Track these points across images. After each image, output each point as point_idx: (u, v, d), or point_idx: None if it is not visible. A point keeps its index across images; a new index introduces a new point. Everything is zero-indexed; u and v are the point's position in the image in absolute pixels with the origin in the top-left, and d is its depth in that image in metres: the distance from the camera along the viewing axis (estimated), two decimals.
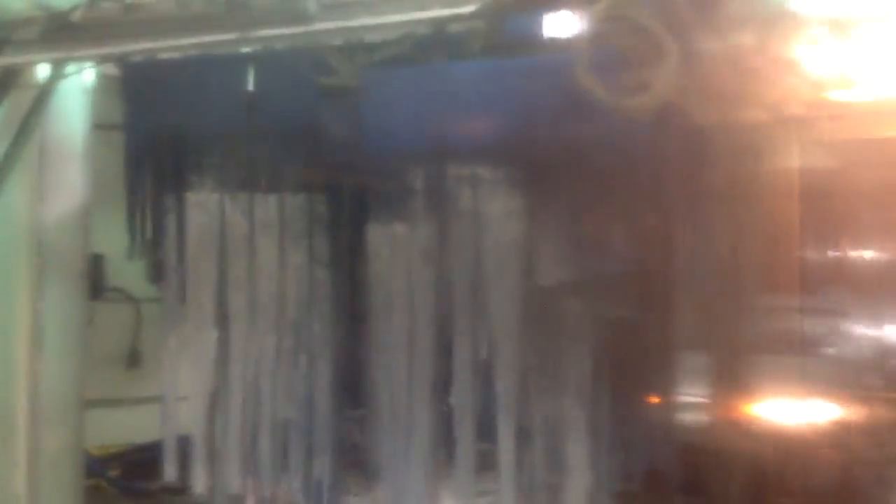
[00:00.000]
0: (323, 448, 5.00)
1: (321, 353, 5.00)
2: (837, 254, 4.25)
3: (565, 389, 4.38)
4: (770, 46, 3.90)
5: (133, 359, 7.57)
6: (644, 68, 3.92)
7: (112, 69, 5.31)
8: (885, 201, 4.03)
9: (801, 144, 4.12)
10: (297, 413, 5.01)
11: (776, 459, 4.21)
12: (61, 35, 5.04)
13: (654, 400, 4.41)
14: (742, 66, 3.91)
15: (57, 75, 5.31)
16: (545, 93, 4.29)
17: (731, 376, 4.28)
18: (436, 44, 4.50)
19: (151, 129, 5.17)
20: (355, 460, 5.08)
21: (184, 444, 5.22)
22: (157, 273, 5.25)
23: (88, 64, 5.36)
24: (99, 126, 5.63)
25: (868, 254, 4.24)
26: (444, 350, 4.62)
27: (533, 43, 4.39)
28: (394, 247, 4.71)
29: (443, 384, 4.64)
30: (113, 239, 5.64)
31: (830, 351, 4.25)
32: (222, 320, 5.10)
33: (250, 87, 4.98)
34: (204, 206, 5.06)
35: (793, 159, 4.15)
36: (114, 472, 6.97)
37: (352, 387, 4.98)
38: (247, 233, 5.03)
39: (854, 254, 4.25)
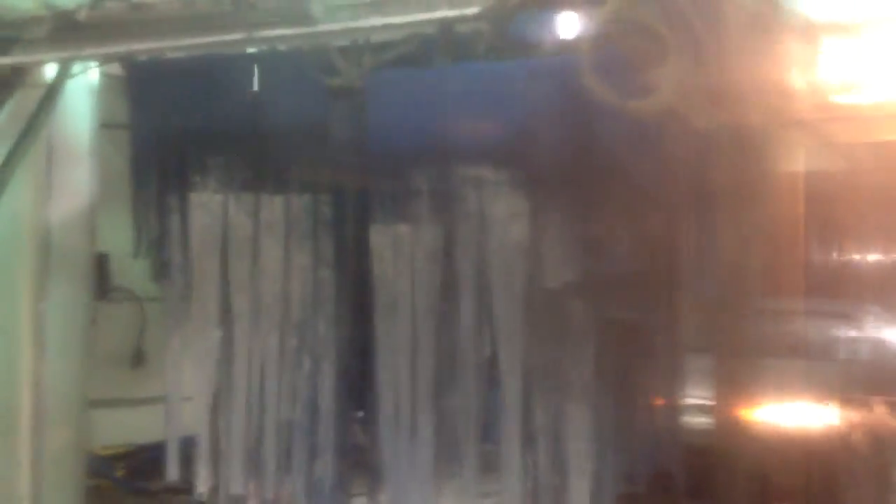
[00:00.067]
0: (326, 449, 5.00)
1: (325, 353, 5.00)
2: (842, 257, 4.24)
3: (570, 391, 4.38)
4: (776, 49, 3.91)
5: (137, 358, 7.57)
6: (649, 70, 3.92)
7: (118, 68, 5.31)
8: (890, 204, 4.03)
9: (806, 147, 4.12)
10: (300, 414, 5.01)
11: (780, 462, 4.21)
12: (68, 34, 5.04)
13: (659, 402, 4.41)
14: (747, 69, 3.91)
15: (63, 74, 5.32)
16: (550, 94, 4.30)
17: (736, 379, 4.28)
18: (441, 45, 4.51)
19: (157, 128, 5.17)
20: (359, 461, 5.08)
21: (188, 445, 5.22)
22: (162, 272, 5.25)
23: (95, 63, 5.38)
24: (104, 125, 5.64)
25: (873, 257, 4.24)
26: (449, 351, 4.62)
27: (538, 44, 4.40)
28: (398, 248, 4.70)
29: (447, 385, 4.64)
30: (118, 238, 5.65)
31: (835, 354, 4.25)
32: (227, 320, 5.10)
33: (255, 87, 4.99)
34: (209, 205, 5.06)
35: (798, 162, 4.15)
36: (118, 472, 6.97)
37: (356, 388, 4.99)
38: (252, 233, 5.03)
39: (859, 257, 4.25)
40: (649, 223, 4.25)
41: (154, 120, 5.17)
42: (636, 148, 4.18)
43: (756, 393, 4.32)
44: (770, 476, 4.18)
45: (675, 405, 4.40)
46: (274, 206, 4.99)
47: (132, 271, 6.13)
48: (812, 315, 4.27)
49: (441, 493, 4.71)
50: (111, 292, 7.21)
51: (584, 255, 4.38)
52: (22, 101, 5.36)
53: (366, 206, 4.79)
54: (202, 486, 5.18)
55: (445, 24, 4.42)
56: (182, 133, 5.10)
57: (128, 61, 5.17)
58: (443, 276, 4.63)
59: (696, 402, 4.39)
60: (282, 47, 4.87)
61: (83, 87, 5.46)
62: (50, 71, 5.36)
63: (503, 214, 4.48)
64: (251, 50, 4.96)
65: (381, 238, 4.72)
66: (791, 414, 4.38)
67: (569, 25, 4.30)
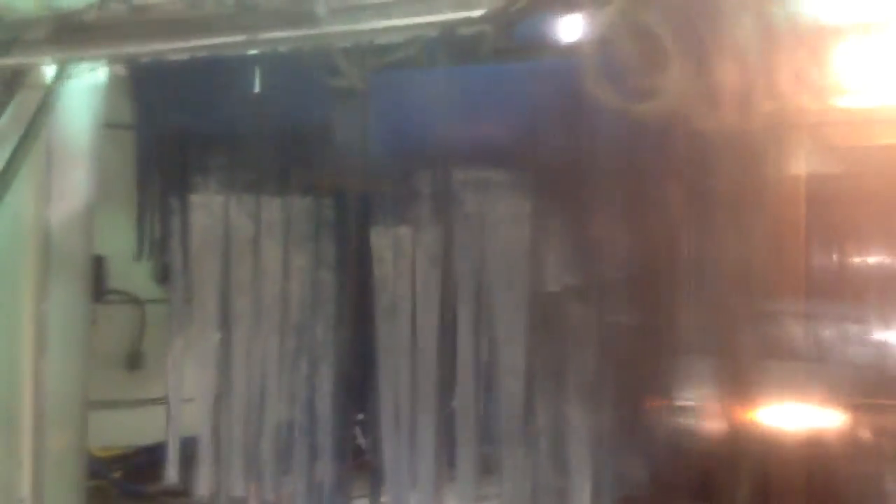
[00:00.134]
0: (327, 451, 5.00)
1: (326, 355, 5.00)
2: (845, 260, 4.25)
3: (570, 394, 4.38)
4: (778, 52, 3.91)
5: (134, 360, 7.57)
6: (652, 73, 3.93)
7: (120, 68, 5.30)
8: (892, 208, 4.03)
9: (808, 150, 4.13)
10: (301, 416, 5.01)
11: (782, 465, 4.22)
12: (70, 35, 5.04)
13: (660, 405, 4.41)
14: (750, 72, 3.92)
15: (65, 75, 5.31)
16: (553, 97, 4.30)
17: (737, 382, 4.28)
18: (444, 47, 4.51)
19: (159, 129, 5.17)
20: (359, 464, 5.08)
21: (187, 447, 5.22)
22: (163, 274, 5.24)
23: (96, 64, 5.36)
24: (105, 126, 5.63)
25: (876, 260, 4.25)
26: (449, 354, 4.63)
27: (542, 47, 4.40)
28: (399, 250, 4.71)
29: (447, 388, 4.64)
30: (114, 240, 5.65)
31: (837, 357, 4.25)
32: (228, 322, 5.10)
33: (258, 88, 4.99)
34: (211, 207, 5.06)
35: (800, 165, 4.15)
36: (117, 474, 6.97)
37: (356, 390, 4.98)
38: (253, 235, 5.03)
39: (862, 260, 4.26)
40: (651, 226, 4.25)
41: (156, 121, 5.17)
42: (638, 151, 4.18)
43: (758, 396, 4.31)
44: (772, 479, 4.18)
45: (675, 408, 4.40)
46: (276, 208, 4.99)
47: (129, 273, 6.14)
48: (813, 318, 4.27)
49: (441, 496, 4.71)
50: (108, 294, 7.21)
51: (585, 258, 4.38)
52: (23, 103, 5.35)
53: (367, 208, 4.80)
54: (202, 488, 5.17)
55: (449, 27, 4.42)
56: (184, 134, 5.10)
57: (130, 62, 5.16)
58: (444, 278, 4.63)
59: (697, 404, 4.39)
60: (284, 49, 4.86)
61: (84, 88, 5.44)
62: (51, 72, 5.35)
63: (504, 217, 4.49)
64: (254, 52, 4.95)
65: (382, 240, 4.73)
66: (793, 417, 4.38)
67: (572, 28, 4.30)
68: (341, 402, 5.00)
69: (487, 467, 4.61)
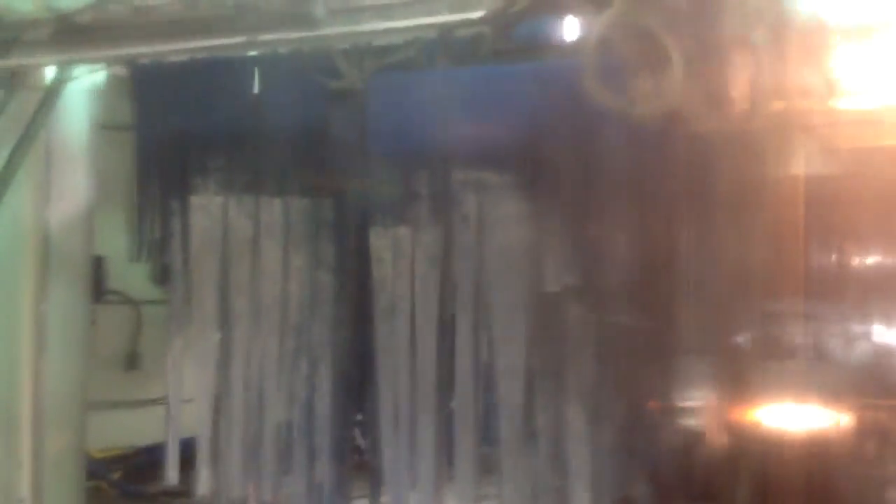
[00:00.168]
0: (326, 451, 4.99)
1: (325, 356, 4.99)
2: (844, 260, 4.26)
3: (569, 394, 4.39)
4: (778, 53, 3.92)
5: (132, 361, 7.57)
6: (651, 75, 3.94)
7: (120, 69, 5.30)
8: (891, 208, 4.04)
9: (808, 151, 4.14)
10: (300, 416, 5.01)
11: (781, 465, 4.22)
12: (69, 37, 5.05)
13: (659, 405, 4.41)
14: (749, 73, 3.93)
15: (64, 77, 5.31)
16: (552, 98, 4.30)
17: (736, 382, 4.29)
18: (443, 49, 4.51)
19: (159, 131, 5.17)
20: (358, 464, 5.08)
21: (186, 447, 5.22)
22: (162, 275, 5.24)
23: (96, 66, 5.37)
24: (104, 127, 5.63)
25: (875, 260, 4.26)
26: (448, 354, 4.63)
27: (540, 49, 4.41)
28: (398, 251, 4.71)
29: (446, 388, 4.65)
30: (113, 241, 5.65)
31: (836, 357, 4.26)
32: (227, 323, 5.09)
33: (257, 90, 4.99)
34: (210, 208, 5.06)
35: (800, 166, 4.16)
36: (115, 475, 6.97)
37: (355, 390, 4.98)
38: (252, 235, 5.03)
39: (861, 260, 4.27)
40: (650, 227, 4.26)
41: (156, 122, 5.17)
42: (637, 152, 4.19)
43: (757, 396, 4.32)
44: (771, 479, 4.19)
45: (675, 408, 4.41)
46: (275, 209, 4.99)
47: (127, 274, 6.13)
48: (813, 318, 4.28)
49: (440, 496, 4.71)
50: (107, 295, 7.21)
51: (584, 258, 4.38)
52: (22, 103, 5.35)
53: (366, 209, 4.80)
54: (201, 488, 5.17)
55: (447, 29, 4.42)
56: (184, 135, 5.10)
57: (130, 64, 5.17)
58: (442, 279, 4.64)
59: (697, 405, 4.40)
60: (284, 50, 4.86)
61: (83, 89, 5.45)
62: (50, 73, 5.35)
63: (503, 218, 4.50)
64: (253, 53, 4.95)
65: (381, 241, 4.73)
66: (792, 417, 4.39)
67: (571, 29, 4.31)
68: (340, 402, 5.00)
69: (486, 467, 4.61)
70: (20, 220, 5.42)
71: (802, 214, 4.09)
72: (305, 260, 4.98)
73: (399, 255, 4.71)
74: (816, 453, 4.30)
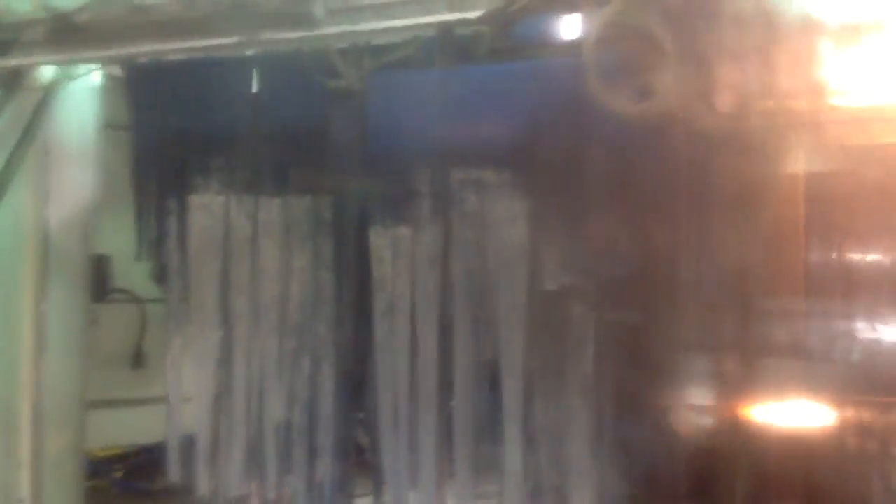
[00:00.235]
0: (327, 450, 5.00)
1: (325, 354, 4.99)
2: (844, 258, 4.24)
3: (570, 393, 4.38)
4: (777, 51, 3.90)
5: (137, 359, 7.59)
6: (650, 73, 3.93)
7: (118, 70, 5.30)
8: (891, 206, 4.02)
9: (807, 149, 4.12)
10: (301, 415, 5.01)
11: (782, 463, 4.21)
12: (67, 37, 5.04)
13: (659, 404, 4.40)
14: (747, 72, 3.91)
15: (62, 77, 5.32)
16: (551, 97, 4.30)
17: (737, 380, 4.27)
18: (442, 48, 4.50)
19: (157, 130, 5.17)
20: (359, 462, 5.08)
21: (187, 446, 5.22)
22: (162, 274, 5.25)
23: (94, 65, 5.37)
24: (104, 126, 5.64)
25: (875, 258, 4.23)
26: (448, 353, 4.62)
27: (539, 47, 4.40)
28: (398, 250, 4.71)
29: (447, 387, 4.64)
30: (118, 240, 5.65)
31: (837, 355, 4.24)
32: (227, 322, 5.10)
33: (256, 89, 4.99)
34: (209, 207, 5.07)
35: (799, 164, 4.15)
36: (117, 473, 6.99)
37: (356, 389, 4.98)
38: (252, 235, 5.03)
39: (861, 258, 4.25)
40: (650, 225, 4.25)
41: (155, 122, 5.17)
42: (637, 150, 4.18)
43: (758, 394, 4.31)
44: (772, 477, 4.18)
45: (675, 407, 4.40)
46: (274, 209, 4.99)
47: (133, 273, 6.14)
48: (813, 316, 4.27)
49: (441, 495, 4.71)
50: (112, 294, 7.22)
51: (584, 257, 4.38)
52: (21, 104, 5.36)
53: (366, 208, 4.79)
54: (202, 487, 5.17)
55: (446, 28, 4.41)
56: (182, 135, 5.10)
57: (128, 63, 5.16)
58: (443, 278, 4.63)
59: (698, 403, 4.39)
60: (282, 50, 4.85)
61: (82, 88, 5.46)
62: (48, 73, 5.36)
63: (503, 217, 4.49)
64: (252, 52, 4.94)
65: (380, 240, 4.73)
66: (793, 415, 4.38)
67: (570, 28, 4.30)
68: (341, 400, 5.00)
69: (487, 466, 4.61)
70: (20, 220, 5.43)
71: (802, 212, 4.08)
72: (305, 259, 4.98)
73: (399, 253, 4.70)
74: (818, 451, 4.29)
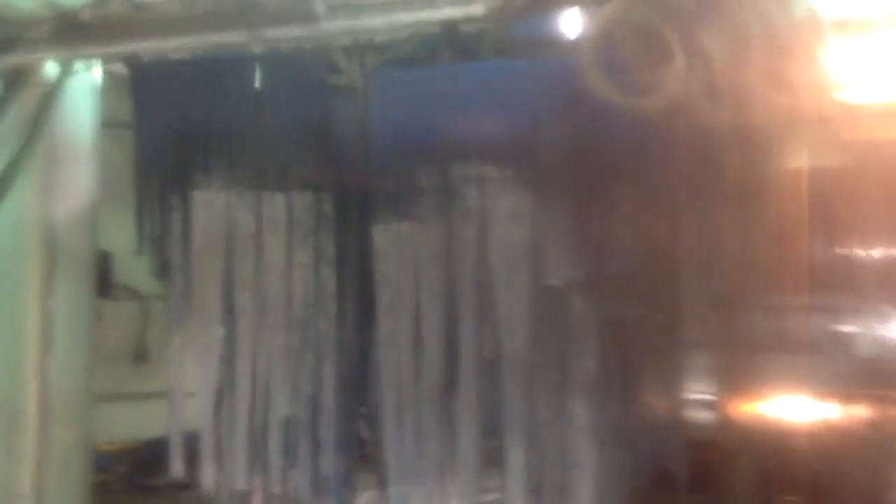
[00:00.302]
0: (330, 445, 5.01)
1: (328, 350, 5.00)
2: (847, 253, 4.25)
3: (572, 388, 4.39)
4: (779, 46, 3.91)
5: (141, 355, 7.60)
6: (652, 69, 3.93)
7: (121, 67, 5.31)
8: (894, 201, 4.03)
9: (810, 144, 4.13)
10: (304, 409, 5.02)
11: (784, 458, 4.22)
12: (70, 34, 5.05)
13: (662, 398, 4.41)
14: (750, 67, 3.92)
15: (66, 74, 5.31)
16: (554, 94, 4.31)
17: (739, 375, 4.29)
18: (445, 44, 4.51)
19: (160, 127, 5.18)
20: (362, 457, 5.09)
21: (191, 440, 5.23)
22: (164, 270, 5.25)
23: (97, 62, 5.37)
24: (108, 124, 5.64)
25: (878, 253, 4.25)
26: (451, 348, 4.64)
27: (542, 44, 4.40)
28: (401, 246, 4.72)
29: (450, 382, 4.65)
30: (121, 236, 5.65)
31: (839, 350, 4.26)
32: (229, 317, 5.11)
33: (259, 86, 4.99)
34: (212, 203, 5.07)
35: (801, 159, 4.16)
36: (122, 468, 7.00)
37: (359, 384, 4.99)
38: (254, 231, 5.04)
39: (864, 253, 4.26)
40: (653, 220, 4.26)
41: (157, 118, 5.18)
42: (639, 146, 4.19)
43: (760, 388, 4.32)
44: (774, 471, 4.19)
45: (678, 402, 4.41)
46: (276, 205, 5.00)
47: (135, 269, 6.13)
48: (816, 311, 4.28)
49: (445, 489, 4.72)
50: (114, 290, 7.23)
51: (588, 252, 4.39)
52: (24, 101, 5.35)
53: (369, 204, 4.80)
54: (206, 481, 5.19)
55: (449, 24, 4.42)
56: (185, 131, 5.10)
57: (130, 60, 5.17)
58: (446, 274, 4.64)
59: (700, 397, 4.40)
60: (284, 47, 4.86)
61: (85, 86, 5.45)
62: (52, 70, 5.35)
63: (506, 212, 4.50)
64: (254, 49, 4.94)
65: (383, 236, 4.73)
66: (795, 409, 4.39)
67: (573, 25, 4.30)
68: (345, 395, 5.01)
69: (491, 461, 4.62)
70: (24, 217, 5.43)
71: (806, 207, 4.09)
72: (308, 255, 4.99)
73: (402, 249, 4.71)
74: (822, 446, 4.30)
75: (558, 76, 4.29)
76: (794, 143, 4.14)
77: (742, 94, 3.95)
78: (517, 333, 4.50)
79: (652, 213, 4.25)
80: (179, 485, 5.57)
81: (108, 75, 5.49)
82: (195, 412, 5.20)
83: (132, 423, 7.01)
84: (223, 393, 5.13)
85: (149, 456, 6.76)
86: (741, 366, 4.30)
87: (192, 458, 5.23)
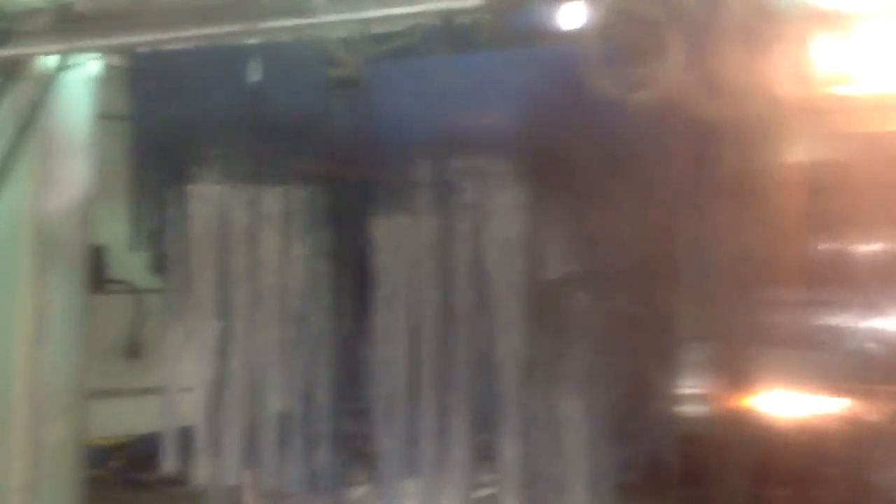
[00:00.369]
0: (324, 440, 5.00)
1: (323, 345, 5.00)
2: (844, 247, 4.25)
3: (569, 382, 4.39)
4: (777, 39, 3.91)
5: (135, 350, 7.58)
6: (650, 61, 3.93)
7: (117, 59, 5.30)
8: (891, 195, 4.04)
9: (807, 138, 4.13)
10: (298, 405, 5.01)
11: (780, 452, 4.23)
12: (67, 26, 5.03)
13: (659, 392, 4.42)
14: (748, 60, 3.92)
15: (62, 66, 5.30)
16: (552, 85, 4.30)
17: (736, 369, 4.29)
18: (443, 36, 4.51)
19: (156, 119, 5.16)
20: (356, 452, 5.08)
21: (185, 435, 5.22)
22: (159, 264, 5.24)
23: (94, 55, 5.36)
24: (103, 116, 5.63)
25: (875, 247, 4.25)
26: (448, 342, 4.63)
27: (540, 35, 4.40)
28: (398, 239, 4.71)
29: (445, 376, 4.65)
30: (115, 230, 5.64)
31: (836, 344, 4.26)
32: (225, 311, 5.09)
33: (256, 78, 4.98)
34: (208, 197, 5.06)
35: (799, 153, 4.16)
36: (116, 463, 6.98)
37: (354, 379, 4.98)
38: (251, 224, 5.03)
39: (861, 247, 4.27)
40: (650, 214, 4.26)
41: (154, 111, 5.16)
42: (637, 139, 4.19)
43: (756, 383, 4.33)
44: (770, 466, 4.20)
45: (674, 395, 4.41)
46: (274, 198, 4.98)
47: (130, 263, 6.11)
48: (813, 305, 4.29)
49: (438, 484, 4.71)
50: (108, 284, 7.21)
51: (585, 246, 4.39)
52: (20, 93, 5.35)
53: (366, 197, 4.79)
54: (200, 476, 5.17)
55: (447, 15, 4.41)
56: (181, 124, 5.08)
57: (128, 52, 5.15)
58: (442, 267, 4.63)
59: (696, 392, 4.40)
60: (282, 38, 4.85)
61: (81, 77, 5.44)
62: (50, 62, 5.34)
63: (504, 206, 4.49)
64: (252, 41, 4.94)
65: (381, 229, 4.73)
66: (791, 404, 4.40)
67: (571, 16, 4.30)
68: (339, 390, 5.00)
69: (485, 455, 4.61)
70: (18, 209, 5.41)
71: (804, 201, 4.10)
72: (305, 248, 4.98)
73: (398, 243, 4.70)
74: (818, 441, 4.30)
75: (556, 68, 4.29)
76: (792, 136, 4.15)
77: (741, 86, 3.95)
78: (514, 327, 4.49)
79: (649, 207, 4.25)
80: (173, 480, 5.55)
81: (105, 67, 5.47)
82: (189, 407, 5.18)
83: (125, 419, 7.00)
84: (217, 388, 5.12)
85: (142, 451, 6.74)
86: (738, 360, 4.31)
87: (185, 453, 5.22)
